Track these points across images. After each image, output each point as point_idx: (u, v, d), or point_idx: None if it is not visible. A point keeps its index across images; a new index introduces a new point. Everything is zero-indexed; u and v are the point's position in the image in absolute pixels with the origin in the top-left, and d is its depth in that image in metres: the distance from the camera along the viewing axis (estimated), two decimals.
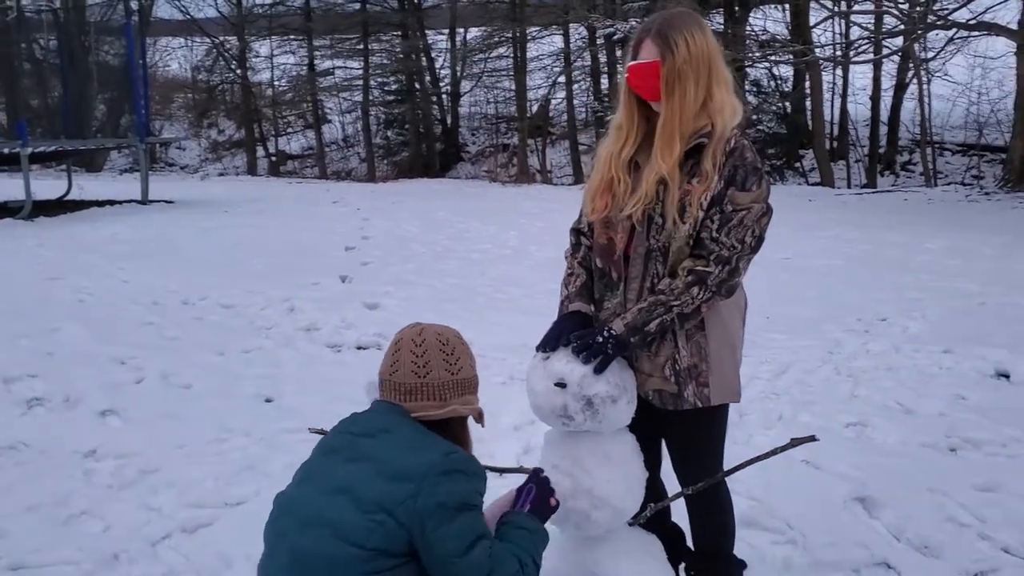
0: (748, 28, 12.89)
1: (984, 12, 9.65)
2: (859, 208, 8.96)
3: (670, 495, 1.57)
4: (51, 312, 4.10)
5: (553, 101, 15.50)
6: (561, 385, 1.39)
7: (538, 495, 1.29)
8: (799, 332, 3.86)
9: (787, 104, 13.89)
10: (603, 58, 14.03)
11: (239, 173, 16.25)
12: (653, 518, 1.52)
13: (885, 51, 11.44)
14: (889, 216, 8.15)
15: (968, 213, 8.28)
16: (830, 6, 11.49)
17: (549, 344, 1.44)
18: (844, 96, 13.50)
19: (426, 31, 15.95)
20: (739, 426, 2.64)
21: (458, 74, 16.12)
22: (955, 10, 9.40)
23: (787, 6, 13.39)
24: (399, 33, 15.58)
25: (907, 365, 3.29)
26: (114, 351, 3.43)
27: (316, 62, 16.29)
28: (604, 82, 14.18)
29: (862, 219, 7.95)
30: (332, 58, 16.21)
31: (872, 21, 11.66)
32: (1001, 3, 9.67)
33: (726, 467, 1.53)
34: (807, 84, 12.33)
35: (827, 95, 13.13)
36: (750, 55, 11.54)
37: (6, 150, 7.96)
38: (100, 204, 8.93)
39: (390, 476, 1.10)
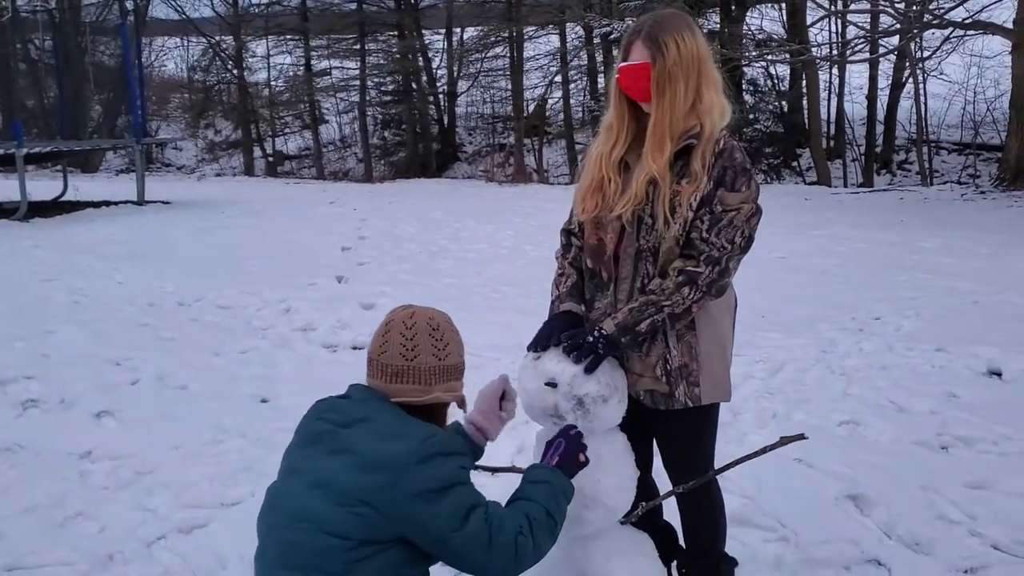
0: (745, 27, 12.91)
1: (980, 11, 9.69)
2: (855, 207, 8.98)
3: (662, 494, 1.58)
4: (46, 313, 4.09)
5: (550, 101, 15.52)
6: (552, 385, 1.39)
7: (567, 450, 1.29)
8: (793, 331, 3.87)
9: (784, 103, 13.92)
10: (599, 57, 14.04)
11: (236, 174, 16.22)
12: (644, 517, 1.53)
13: (881, 50, 11.47)
14: (885, 215, 8.17)
15: (964, 212, 8.30)
16: (826, 5, 11.51)
17: (540, 344, 1.45)
18: (840, 95, 13.53)
19: (422, 31, 15.93)
20: (733, 425, 2.66)
21: (455, 74, 16.11)
22: (951, 9, 9.43)
23: (783, 5, 13.43)
24: (396, 33, 15.57)
25: (900, 364, 3.31)
26: (110, 352, 3.43)
27: (313, 62, 16.27)
28: (601, 81, 14.19)
29: (858, 218, 7.97)
30: (329, 58, 16.19)
31: (868, 20, 11.68)
32: (996, 2, 9.72)
33: (717, 466, 1.54)
34: (804, 83, 12.35)
35: (824, 94, 13.16)
36: (747, 54, 11.55)
37: (1, 151, 7.93)
38: (96, 205, 8.91)
39: (369, 468, 1.10)
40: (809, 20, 12.21)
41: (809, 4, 11.96)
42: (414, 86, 15.74)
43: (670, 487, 1.55)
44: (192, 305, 4.40)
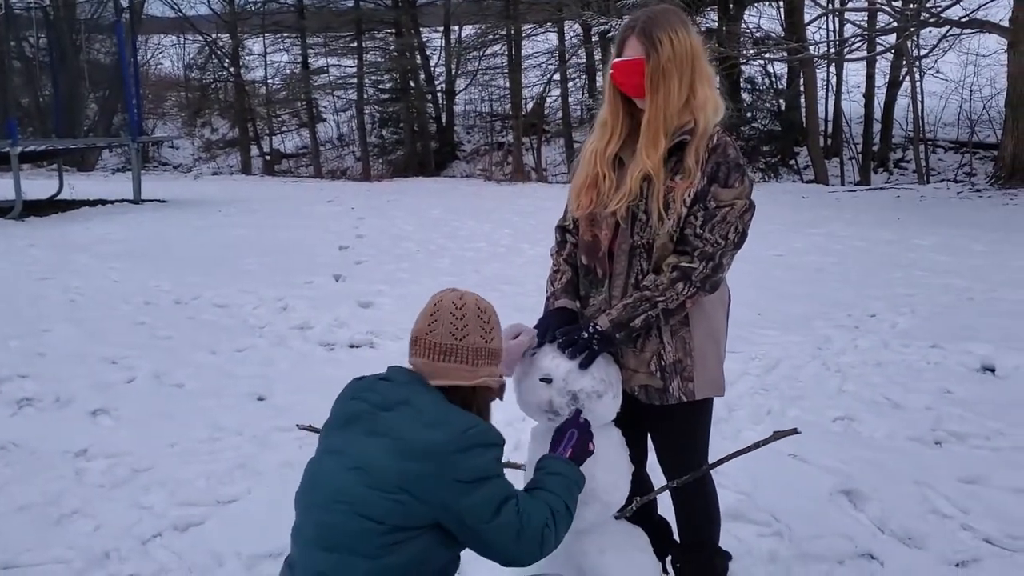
0: (742, 25, 12.92)
1: (976, 9, 9.71)
2: (852, 205, 9.00)
3: (656, 489, 1.59)
4: (42, 312, 4.09)
5: (548, 99, 15.50)
6: (547, 380, 1.40)
7: (579, 440, 1.31)
8: (790, 328, 3.88)
9: (781, 101, 13.93)
10: (597, 55, 14.04)
11: (233, 172, 16.18)
12: (639, 511, 1.54)
13: (878, 48, 11.48)
14: (881, 213, 8.19)
15: (960, 209, 8.33)
16: (824, 4, 11.51)
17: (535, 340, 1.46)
18: (838, 93, 13.54)
19: (420, 29, 15.90)
20: (728, 421, 2.67)
21: (453, 72, 16.09)
22: (947, 7, 9.45)
23: (781, 3, 13.43)
24: (393, 31, 15.54)
25: (895, 360, 3.32)
26: (105, 351, 3.43)
27: (310, 60, 16.23)
28: (599, 80, 14.17)
29: (855, 216, 7.99)
30: (326, 56, 16.15)
31: (865, 19, 11.69)
32: (992, 0, 9.73)
33: (711, 460, 1.55)
34: (801, 81, 12.36)
35: (821, 92, 13.17)
36: (744, 53, 11.57)
37: None
38: (92, 204, 8.89)
39: (409, 454, 1.11)
40: (807, 18, 12.22)
41: (807, 2, 11.97)
42: (412, 84, 15.72)
43: (664, 482, 1.55)
44: (189, 303, 4.40)
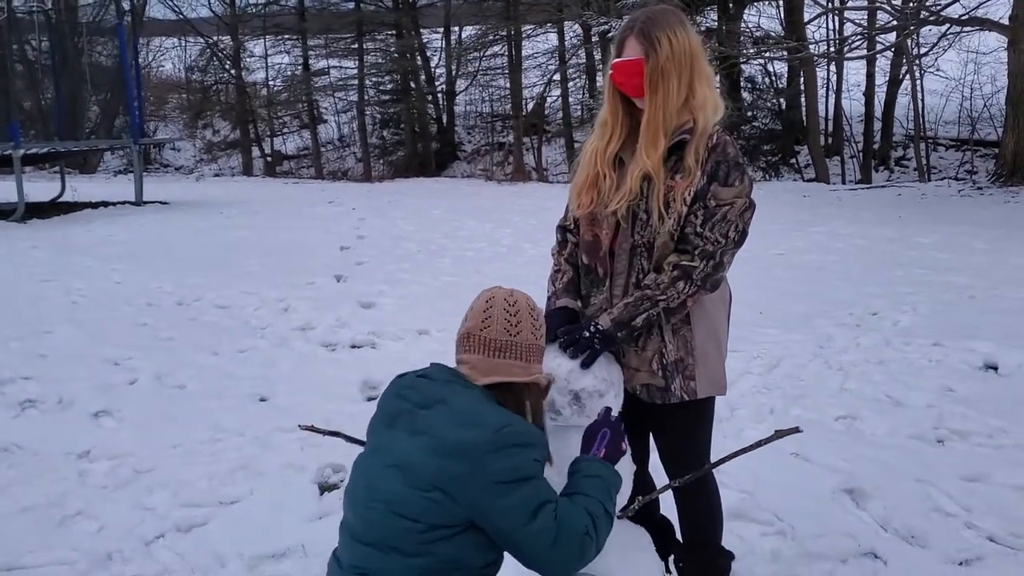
0: (742, 24, 12.91)
1: (976, 7, 9.69)
2: (853, 204, 8.99)
3: (658, 488, 1.58)
4: (44, 314, 4.10)
5: (548, 99, 15.51)
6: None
7: (612, 439, 1.29)
8: (791, 327, 3.88)
9: (782, 100, 13.92)
10: (597, 56, 14.05)
11: (234, 174, 16.21)
12: (641, 511, 1.53)
13: (878, 47, 11.46)
14: (882, 211, 8.18)
15: (961, 207, 8.32)
16: (823, 2, 11.50)
17: None
18: (838, 92, 13.54)
19: (421, 30, 15.92)
20: (730, 420, 2.66)
21: (453, 73, 16.10)
22: (947, 5, 9.44)
23: (781, 2, 13.42)
24: (394, 32, 15.55)
25: (897, 358, 3.32)
26: (108, 352, 3.44)
27: (311, 62, 16.25)
28: (599, 80, 14.17)
29: (856, 214, 7.98)
30: (327, 57, 16.18)
31: (865, 17, 11.68)
32: None
33: (713, 460, 1.55)
34: (802, 80, 12.35)
35: (821, 91, 13.16)
36: (744, 52, 11.56)
37: None
38: (94, 206, 8.91)
39: (444, 453, 1.10)
40: (807, 17, 12.21)
41: (806, 1, 11.96)
42: (412, 85, 15.73)
43: (667, 481, 1.55)
44: (190, 305, 4.40)
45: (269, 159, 16.88)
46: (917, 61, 12.07)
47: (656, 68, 1.38)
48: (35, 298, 4.46)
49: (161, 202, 9.43)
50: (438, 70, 16.38)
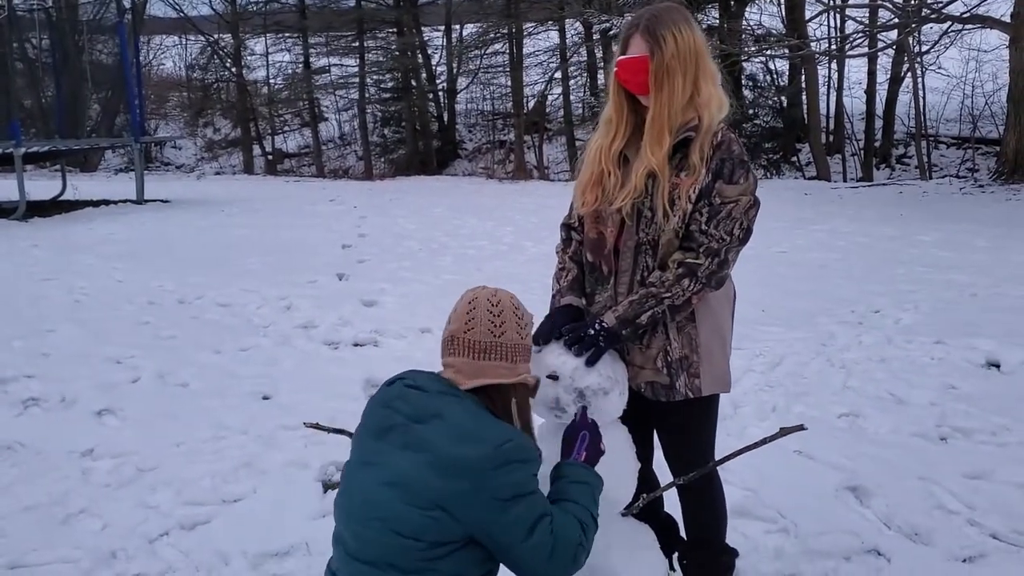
0: (744, 22, 12.88)
1: (978, 5, 9.67)
2: (855, 201, 8.98)
3: (662, 485, 1.58)
4: (46, 313, 4.10)
5: (549, 97, 15.49)
6: (553, 377, 1.40)
7: (591, 441, 1.29)
8: (794, 325, 3.88)
9: (783, 98, 13.90)
10: (599, 53, 14.02)
11: (235, 172, 16.20)
12: (645, 508, 1.54)
13: (880, 44, 11.44)
14: (884, 209, 8.17)
15: (962, 205, 8.31)
16: (825, 0, 11.48)
17: (541, 337, 1.45)
18: (839, 90, 13.51)
19: (422, 28, 15.89)
20: (733, 418, 2.66)
21: (454, 71, 16.08)
22: (949, 3, 9.42)
23: (782, 0, 13.39)
24: (395, 30, 15.53)
25: (899, 356, 3.32)
26: (110, 351, 3.44)
27: (312, 60, 16.23)
28: (600, 78, 14.16)
29: (857, 212, 7.97)
30: (328, 55, 16.15)
31: (867, 15, 11.66)
32: None
33: (717, 457, 1.55)
34: (803, 78, 12.33)
35: (822, 89, 13.14)
36: (746, 49, 11.53)
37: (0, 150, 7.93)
38: (95, 204, 8.91)
39: (444, 471, 1.09)
40: (808, 15, 12.18)
41: None
42: (413, 83, 15.71)
43: (671, 479, 1.55)
44: (192, 303, 4.41)
45: (270, 157, 16.87)
46: (918, 59, 12.05)
47: (661, 65, 1.38)
48: (37, 297, 4.46)
49: (162, 200, 9.43)
50: (439, 68, 16.36)
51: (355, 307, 4.29)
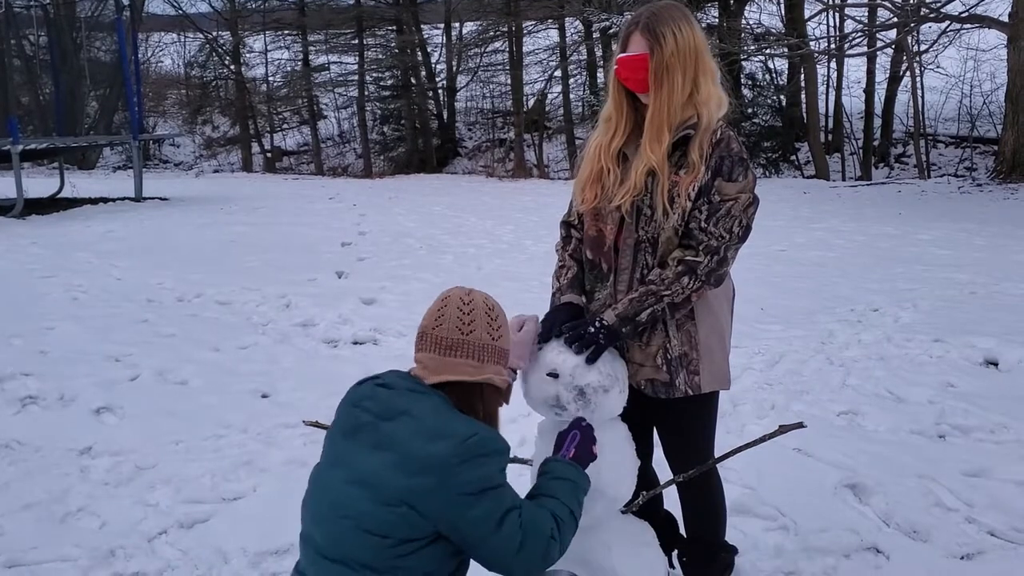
0: (743, 21, 12.88)
1: (976, 4, 9.69)
2: (853, 200, 8.99)
3: (662, 483, 1.59)
4: (45, 310, 4.09)
5: (549, 95, 15.47)
6: (553, 375, 1.40)
7: (582, 441, 1.30)
8: (793, 323, 3.88)
9: (782, 97, 13.89)
10: (599, 52, 14.01)
11: (234, 170, 16.18)
12: (645, 506, 1.54)
13: (879, 44, 11.45)
14: (883, 208, 8.18)
15: (960, 204, 8.32)
16: None
17: (541, 335, 1.45)
18: (839, 89, 13.51)
19: (421, 26, 15.86)
20: (732, 416, 2.67)
21: (454, 69, 16.06)
22: (947, 2, 9.42)
23: None
24: (394, 28, 15.50)
25: (898, 354, 3.32)
26: (109, 349, 3.43)
27: (311, 57, 16.20)
28: (600, 76, 14.15)
29: (856, 211, 7.98)
30: (327, 53, 16.13)
31: (866, 14, 11.66)
32: None
33: (717, 455, 1.55)
34: (802, 77, 12.32)
35: (821, 88, 13.13)
36: (745, 48, 11.54)
37: None
38: (93, 202, 8.89)
39: (411, 469, 1.10)
40: (807, 14, 12.19)
41: None
42: (413, 81, 15.69)
43: (671, 476, 1.55)
44: (191, 301, 4.40)
45: (269, 155, 16.84)
46: (917, 58, 12.05)
47: (661, 63, 1.38)
48: (35, 294, 4.45)
49: (161, 198, 9.41)
50: (439, 66, 16.34)
51: (355, 305, 4.29)
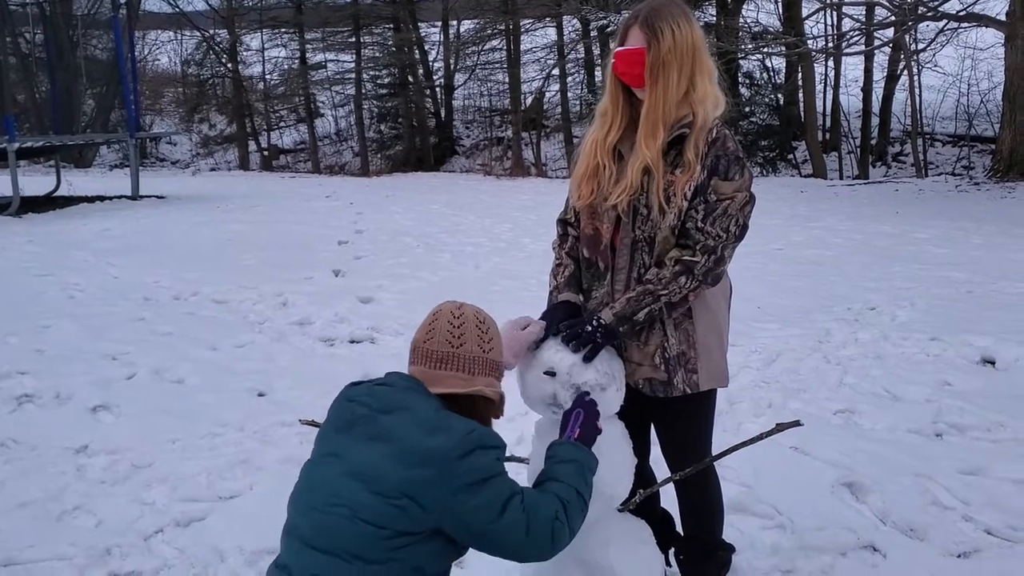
0: (741, 20, 12.88)
1: (974, 3, 9.71)
2: (851, 199, 9.00)
3: (659, 481, 1.59)
4: (41, 309, 4.08)
5: (547, 94, 15.46)
6: (551, 374, 1.40)
7: (586, 419, 1.30)
8: (790, 321, 3.89)
9: (779, 96, 13.91)
10: (596, 50, 13.99)
11: (231, 168, 16.14)
12: (642, 504, 1.54)
13: (876, 43, 11.46)
14: (880, 207, 8.20)
15: (958, 203, 8.34)
16: None
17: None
18: (836, 88, 13.52)
19: (418, 24, 15.84)
20: (729, 414, 2.67)
21: (451, 67, 16.03)
22: (945, 1, 9.43)
23: None
24: (391, 26, 15.47)
25: (895, 353, 3.33)
26: (105, 347, 3.42)
27: (308, 55, 16.16)
28: (598, 75, 14.14)
29: (854, 210, 7.99)
30: (324, 51, 16.09)
31: (863, 13, 11.67)
32: None
33: (714, 453, 1.55)
34: (799, 76, 12.33)
35: (819, 87, 13.15)
36: (743, 47, 11.55)
37: None
38: (90, 200, 8.86)
39: (411, 461, 1.10)
40: (804, 12, 12.20)
41: None
42: (410, 79, 15.65)
43: (668, 475, 1.55)
44: (188, 299, 4.39)
45: (266, 153, 16.80)
46: (915, 57, 12.06)
47: (657, 58, 1.38)
48: (32, 293, 4.44)
49: (157, 196, 9.39)
50: (436, 64, 16.31)
51: (351, 304, 4.28)
